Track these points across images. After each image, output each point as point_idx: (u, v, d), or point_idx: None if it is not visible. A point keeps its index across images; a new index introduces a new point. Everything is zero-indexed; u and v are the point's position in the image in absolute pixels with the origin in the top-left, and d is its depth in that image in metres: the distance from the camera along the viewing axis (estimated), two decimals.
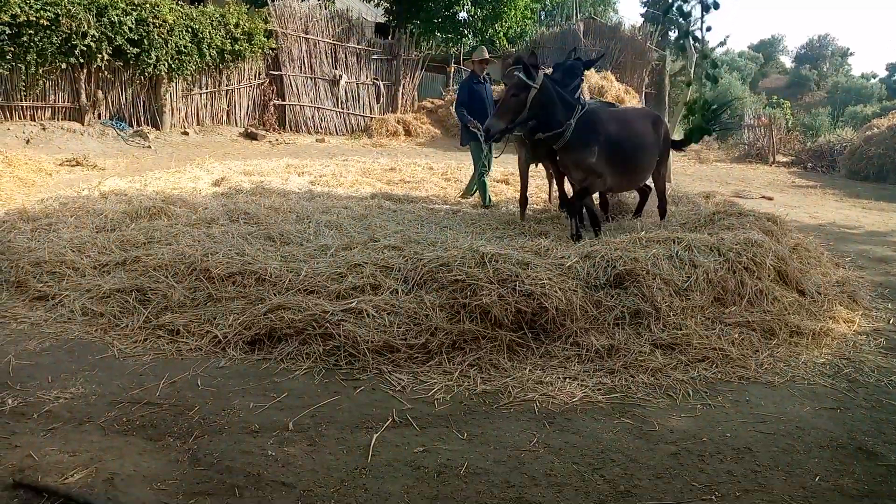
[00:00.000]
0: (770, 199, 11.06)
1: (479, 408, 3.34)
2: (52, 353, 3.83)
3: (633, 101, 17.56)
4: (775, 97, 36.48)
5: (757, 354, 4.07)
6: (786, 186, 13.86)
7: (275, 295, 4.20)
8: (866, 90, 44.79)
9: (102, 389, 3.41)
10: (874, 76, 50.83)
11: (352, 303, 3.99)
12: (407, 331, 3.84)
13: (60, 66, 12.18)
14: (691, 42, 10.22)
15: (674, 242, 4.83)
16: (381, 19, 20.05)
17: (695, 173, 14.33)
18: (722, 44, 37.80)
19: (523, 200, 7.40)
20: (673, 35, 23.00)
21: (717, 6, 8.67)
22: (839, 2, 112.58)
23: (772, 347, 4.19)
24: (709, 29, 9.05)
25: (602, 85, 16.86)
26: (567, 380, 3.64)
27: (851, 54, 56.99)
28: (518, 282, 4.12)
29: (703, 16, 8.72)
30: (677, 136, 9.89)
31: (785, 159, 18.36)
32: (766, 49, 55.02)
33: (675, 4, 8.56)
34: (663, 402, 3.48)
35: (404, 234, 6.00)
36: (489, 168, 8.47)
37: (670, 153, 7.13)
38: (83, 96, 12.80)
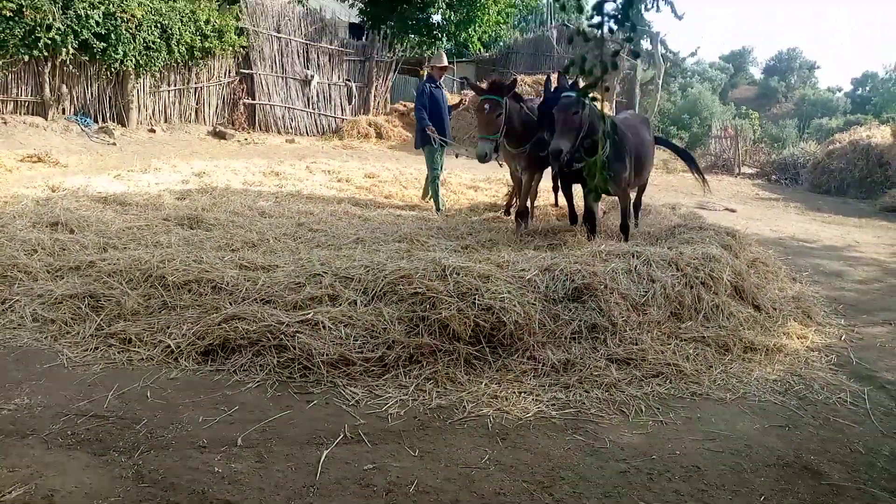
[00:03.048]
0: (733, 211, 11.25)
1: (432, 423, 3.33)
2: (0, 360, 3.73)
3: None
4: (745, 108, 37.19)
5: (710, 370, 4.12)
6: (749, 198, 14.11)
7: (231, 304, 4.14)
8: (832, 103, 45.91)
9: (48, 400, 3.34)
10: (839, 90, 52.16)
11: (308, 314, 3.96)
12: (364, 343, 3.81)
13: (23, 59, 11.92)
14: (660, 51, 10.39)
15: (633, 256, 4.88)
16: (356, 20, 19.98)
17: (661, 183, 14.51)
18: (693, 54, 38.26)
19: (523, 212, 7.16)
20: (645, 44, 23.35)
21: (679, 17, 8.82)
22: (807, 17, 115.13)
23: (726, 363, 4.25)
24: (658, 35, 9.38)
25: None
26: (522, 394, 3.65)
27: (818, 68, 58.37)
28: (478, 295, 4.12)
29: (648, 27, 8.99)
30: None
31: (750, 171, 18.69)
32: (737, 60, 56.02)
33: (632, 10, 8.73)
34: (616, 418, 3.51)
35: (364, 242, 5.97)
36: (441, 172, 8.63)
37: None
38: (47, 90, 12.55)
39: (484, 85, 7.07)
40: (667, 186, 14.05)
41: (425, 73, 20.39)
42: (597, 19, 1.46)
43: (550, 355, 3.97)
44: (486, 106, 6.53)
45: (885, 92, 41.67)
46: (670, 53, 24.33)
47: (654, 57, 17.75)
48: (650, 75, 18.68)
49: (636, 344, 4.16)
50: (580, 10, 1.62)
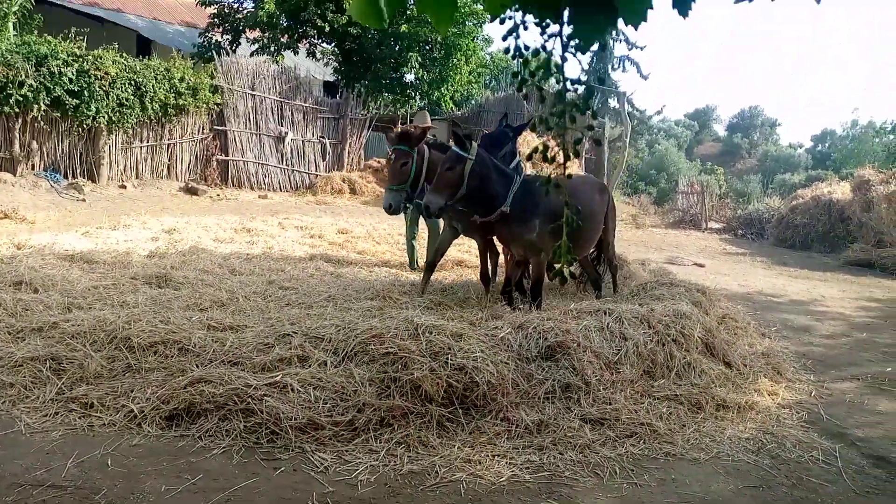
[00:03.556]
0: (702, 266, 11.44)
1: (404, 490, 3.25)
2: None
3: (573, 165, 18.06)
4: (710, 164, 38.27)
5: (684, 429, 4.11)
6: (717, 253, 14.38)
7: (197, 367, 4.05)
8: (794, 159, 47.43)
9: (3, 470, 3.19)
10: (800, 146, 53.95)
11: (276, 376, 3.88)
12: (333, 407, 3.74)
13: None
14: (626, 109, 10.67)
15: (605, 314, 4.90)
16: (330, 78, 20.30)
17: (631, 238, 14.75)
18: (658, 112, 39.43)
19: (484, 274, 6.79)
20: (613, 103, 24.05)
21: (644, 77, 9.09)
22: (767, 76, 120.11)
23: (698, 422, 4.24)
24: (625, 94, 9.55)
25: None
26: (496, 457, 3.59)
27: (779, 125, 60.33)
28: (451, 354, 4.09)
29: (615, 86, 9.23)
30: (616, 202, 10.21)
31: (717, 226, 19.11)
32: (701, 118, 57.88)
33: (602, 72, 9.04)
34: (590, 480, 3.46)
35: (335, 300, 5.92)
36: (416, 232, 8.40)
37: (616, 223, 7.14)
38: (17, 146, 12.45)
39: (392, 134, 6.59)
40: (637, 241, 14.27)
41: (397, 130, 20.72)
42: (559, 107, 1.50)
43: (524, 416, 3.92)
44: (393, 156, 6.14)
45: (843, 148, 43.24)
46: (637, 112, 25.09)
47: (622, 115, 18.26)
48: (618, 133, 19.17)
49: (610, 403, 4.14)
50: (542, 100, 1.66)
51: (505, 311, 5.27)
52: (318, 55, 19.33)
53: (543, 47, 1.50)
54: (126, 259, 7.13)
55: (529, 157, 1.85)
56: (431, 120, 11.57)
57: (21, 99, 11.81)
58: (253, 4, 17.77)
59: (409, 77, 18.73)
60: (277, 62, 17.59)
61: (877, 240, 14.01)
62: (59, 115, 12.71)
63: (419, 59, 17.64)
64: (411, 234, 8.38)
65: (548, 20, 1.43)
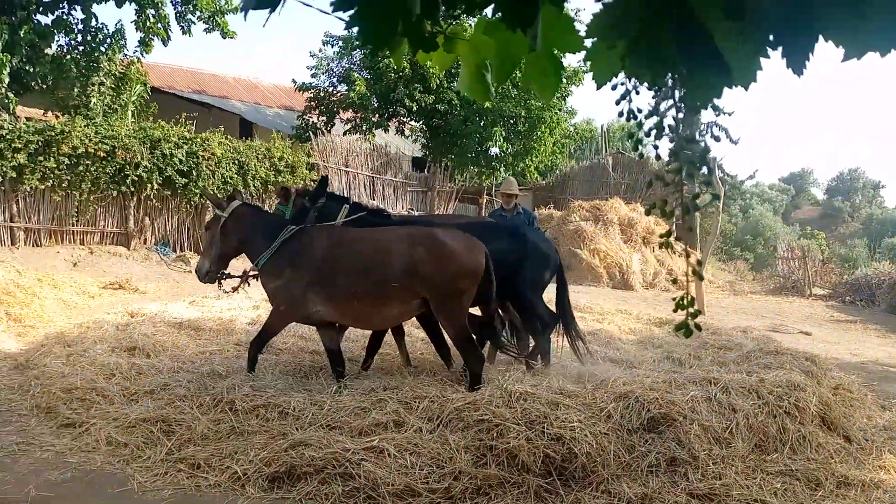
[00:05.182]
0: (808, 334, 10.79)
1: None
2: (73, 484, 3.78)
3: (661, 230, 17.73)
4: (809, 228, 36.57)
5: None
6: (824, 321, 13.54)
7: (297, 430, 4.14)
8: None
9: None
10: None
11: (374, 440, 3.90)
12: (429, 473, 3.71)
13: (112, 194, 12.88)
14: (718, 175, 10.40)
15: (711, 384, 4.69)
16: (418, 153, 21.02)
17: (729, 305, 14.15)
18: (751, 177, 38.25)
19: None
20: (691, 191, 23.54)
21: (734, 142, 8.82)
22: (867, 136, 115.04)
23: (817, 500, 3.94)
24: (715, 159, 9.21)
25: (632, 217, 17.13)
26: None
27: (883, 186, 57.28)
28: (547, 423, 4.01)
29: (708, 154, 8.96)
30: (710, 269, 9.85)
31: (822, 292, 18.06)
32: (797, 181, 55.75)
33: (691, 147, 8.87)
34: None
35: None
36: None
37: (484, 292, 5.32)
38: (131, 222, 13.41)
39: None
40: (735, 309, 13.67)
41: (484, 200, 20.96)
42: (675, 165, 1.52)
43: (626, 489, 3.76)
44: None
45: None
46: (728, 177, 24.48)
47: (713, 180, 17.87)
48: (709, 199, 18.72)
49: (719, 478, 3.91)
50: (658, 158, 1.69)
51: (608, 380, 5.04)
52: (407, 132, 20.12)
53: (656, 109, 1.53)
54: (230, 326, 7.45)
55: (648, 213, 1.86)
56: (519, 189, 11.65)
57: (136, 179, 12.81)
58: (346, 87, 18.81)
59: (494, 150, 19.13)
60: (369, 140, 18.40)
61: None
62: (169, 192, 13.67)
63: (503, 133, 18.04)
64: None
65: (659, 85, 1.46)
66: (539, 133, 18.43)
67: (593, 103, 76.65)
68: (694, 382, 4.70)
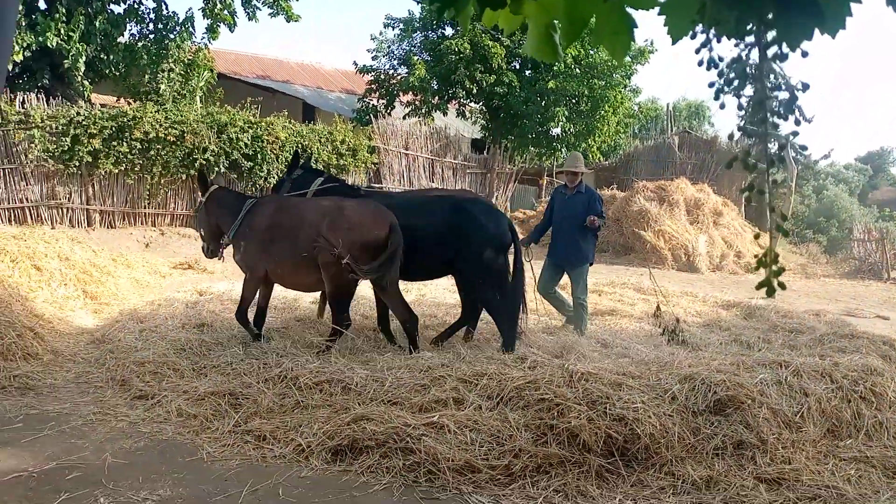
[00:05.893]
0: (886, 318, 10.27)
1: None
2: (146, 452, 3.94)
3: (731, 212, 17.17)
4: (887, 210, 34.69)
5: (878, 495, 3.64)
6: None
7: (359, 405, 4.20)
8: None
9: (188, 492, 3.46)
10: None
11: (434, 416, 3.92)
12: (489, 450, 3.71)
13: (181, 177, 13.30)
14: (791, 154, 9.94)
15: (781, 367, 4.52)
16: (478, 135, 20.90)
17: (801, 289, 13.59)
18: (826, 156, 36.48)
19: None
20: (773, 147, 22.60)
21: (808, 120, 8.39)
22: None
23: (895, 488, 3.75)
24: (795, 134, 8.73)
25: (699, 198, 16.63)
26: None
27: None
28: (609, 404, 3.94)
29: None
30: (781, 251, 9.47)
31: None
32: (875, 161, 52.88)
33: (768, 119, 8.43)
34: None
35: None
36: (550, 288, 7.43)
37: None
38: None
39: None
40: (808, 292, 13.13)
41: (544, 181, 20.71)
42: (760, 115, 1.44)
43: (691, 471, 3.67)
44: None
45: None
46: (801, 156, 23.43)
47: (785, 160, 17.15)
48: (781, 178, 17.98)
49: (789, 463, 3.78)
50: (740, 108, 1.60)
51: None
52: (467, 114, 20.02)
53: (740, 56, 1.44)
54: (294, 304, 7.62)
55: (729, 166, 1.78)
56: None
57: (204, 163, 13.18)
58: (406, 70, 18.83)
59: (556, 131, 18.84)
60: (429, 123, 18.40)
61: None
62: (235, 176, 14.02)
63: (566, 113, 17.74)
64: (548, 289, 7.51)
65: (742, 32, 1.38)
66: (602, 112, 18.04)
67: (659, 82, 74.50)
68: (763, 365, 4.54)
